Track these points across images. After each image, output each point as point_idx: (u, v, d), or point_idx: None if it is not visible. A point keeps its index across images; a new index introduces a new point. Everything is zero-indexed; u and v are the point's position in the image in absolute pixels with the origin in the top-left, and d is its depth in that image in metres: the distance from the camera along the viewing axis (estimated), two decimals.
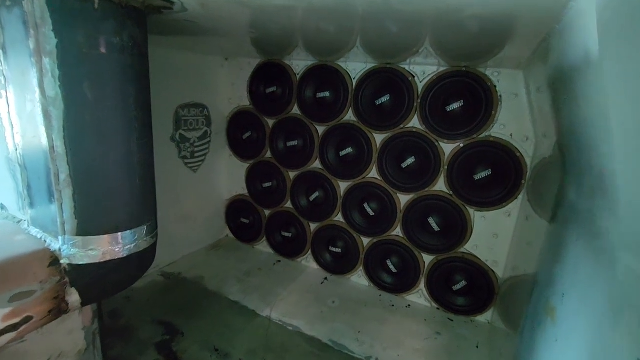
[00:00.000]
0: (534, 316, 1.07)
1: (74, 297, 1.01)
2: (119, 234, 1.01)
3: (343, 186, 2.55)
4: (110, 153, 0.93)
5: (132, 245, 1.04)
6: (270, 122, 2.76)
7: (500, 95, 1.95)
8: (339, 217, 2.62)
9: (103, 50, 0.88)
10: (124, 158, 0.97)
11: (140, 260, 1.09)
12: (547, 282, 1.01)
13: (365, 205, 2.46)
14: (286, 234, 2.88)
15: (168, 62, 2.42)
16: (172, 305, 2.25)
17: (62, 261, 0.99)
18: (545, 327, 0.91)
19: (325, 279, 2.68)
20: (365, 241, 2.55)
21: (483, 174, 2.04)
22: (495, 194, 2.04)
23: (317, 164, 2.62)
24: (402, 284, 2.45)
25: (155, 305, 2.24)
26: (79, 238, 0.97)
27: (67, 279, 0.98)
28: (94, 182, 0.94)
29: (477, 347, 2.01)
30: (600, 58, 0.58)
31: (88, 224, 0.97)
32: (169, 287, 2.47)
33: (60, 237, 0.99)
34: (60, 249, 0.99)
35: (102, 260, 0.99)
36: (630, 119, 0.54)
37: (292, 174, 2.74)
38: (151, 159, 1.10)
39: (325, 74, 2.42)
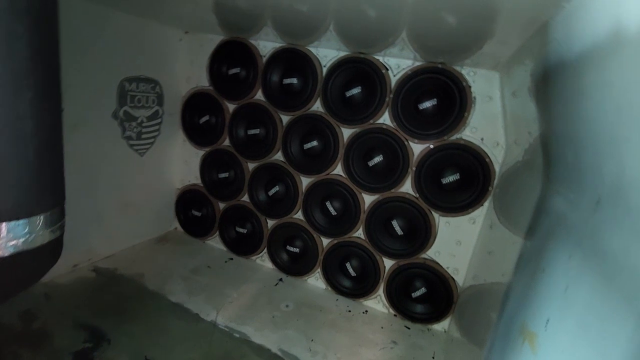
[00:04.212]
0: (505, 336, 0.97)
1: None
2: (0, 224, 0.76)
3: (305, 182, 2.37)
4: None
5: (20, 240, 0.79)
6: (231, 107, 2.51)
7: (474, 97, 1.87)
8: (299, 215, 2.44)
9: None
10: (8, 124, 0.72)
11: (34, 259, 0.84)
12: (522, 300, 0.91)
13: (328, 203, 2.30)
14: (241, 230, 2.65)
15: (115, 26, 2.09)
16: (102, 307, 1.95)
17: None
18: (522, 354, 0.81)
19: (280, 280, 2.49)
20: (325, 242, 2.40)
21: (451, 178, 1.96)
22: (462, 199, 1.96)
23: (278, 156, 2.42)
24: (360, 288, 2.33)
25: (81, 306, 1.93)
26: None
27: None
28: None
29: (433, 357, 1.93)
30: None
31: None
32: (101, 285, 2.15)
33: None
34: None
35: None
36: None
37: (251, 165, 2.52)
38: (57, 128, 0.85)
39: (294, 59, 2.22)
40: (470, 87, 1.85)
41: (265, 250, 2.59)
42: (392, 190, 2.11)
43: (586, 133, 0.69)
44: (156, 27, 2.38)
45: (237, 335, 1.91)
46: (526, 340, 0.80)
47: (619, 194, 0.57)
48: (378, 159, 2.11)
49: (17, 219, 0.78)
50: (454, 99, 1.87)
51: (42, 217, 0.83)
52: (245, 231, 2.64)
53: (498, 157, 1.87)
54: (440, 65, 1.88)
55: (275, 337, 1.91)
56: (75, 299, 1.98)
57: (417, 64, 1.95)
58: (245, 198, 2.59)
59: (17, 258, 0.79)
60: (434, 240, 2.08)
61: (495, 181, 1.87)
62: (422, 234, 2.07)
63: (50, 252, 0.89)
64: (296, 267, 2.51)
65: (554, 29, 0.84)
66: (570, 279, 0.68)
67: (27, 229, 0.80)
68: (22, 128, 0.74)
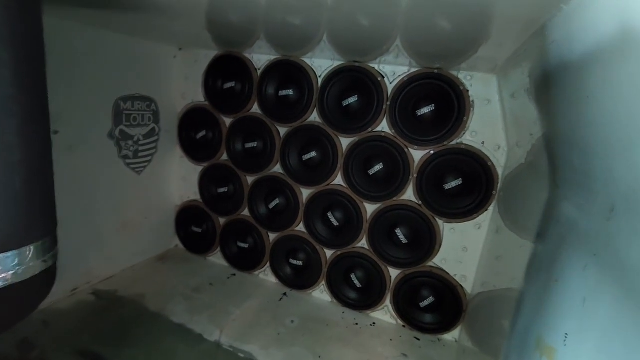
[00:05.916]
0: (520, 349, 0.93)
1: None
2: None
3: (305, 193, 2.34)
4: None
5: (10, 273, 0.76)
6: (227, 121, 2.49)
7: (473, 101, 1.85)
8: (300, 227, 2.40)
9: None
10: None
11: (26, 291, 0.80)
12: (536, 312, 0.87)
13: (329, 214, 2.26)
14: (242, 245, 2.61)
15: (107, 46, 2.08)
16: (102, 331, 1.90)
17: None
18: None
19: (285, 294, 2.44)
20: (329, 253, 2.36)
21: (453, 184, 1.93)
22: (466, 204, 1.93)
23: (277, 169, 2.40)
24: (367, 300, 2.28)
25: (81, 332, 1.88)
26: None
27: None
28: None
29: None
30: None
31: None
32: (101, 308, 2.10)
33: None
34: None
35: None
36: None
37: (250, 179, 2.49)
38: (46, 155, 0.82)
39: (289, 71, 2.21)
40: (468, 91, 1.83)
41: (268, 264, 2.55)
42: (394, 198, 2.08)
43: (594, 137, 0.66)
44: (149, 45, 2.37)
45: (242, 355, 1.86)
46: (544, 355, 0.76)
47: (635, 202, 0.54)
48: (378, 167, 2.08)
49: (6, 251, 0.75)
50: (452, 104, 1.85)
51: (32, 248, 0.80)
52: (246, 246, 2.60)
53: (500, 160, 1.84)
54: (436, 71, 1.86)
55: (281, 355, 1.85)
56: (75, 325, 1.93)
57: (413, 70, 1.94)
58: (246, 212, 2.55)
59: (8, 291, 0.76)
60: (440, 247, 2.04)
61: (499, 185, 1.84)
62: (427, 241, 2.03)
63: (42, 282, 0.85)
64: (300, 280, 2.46)
65: (553, 31, 0.82)
66: (587, 291, 0.64)
67: (16, 261, 0.77)
68: (9, 157, 0.71)
